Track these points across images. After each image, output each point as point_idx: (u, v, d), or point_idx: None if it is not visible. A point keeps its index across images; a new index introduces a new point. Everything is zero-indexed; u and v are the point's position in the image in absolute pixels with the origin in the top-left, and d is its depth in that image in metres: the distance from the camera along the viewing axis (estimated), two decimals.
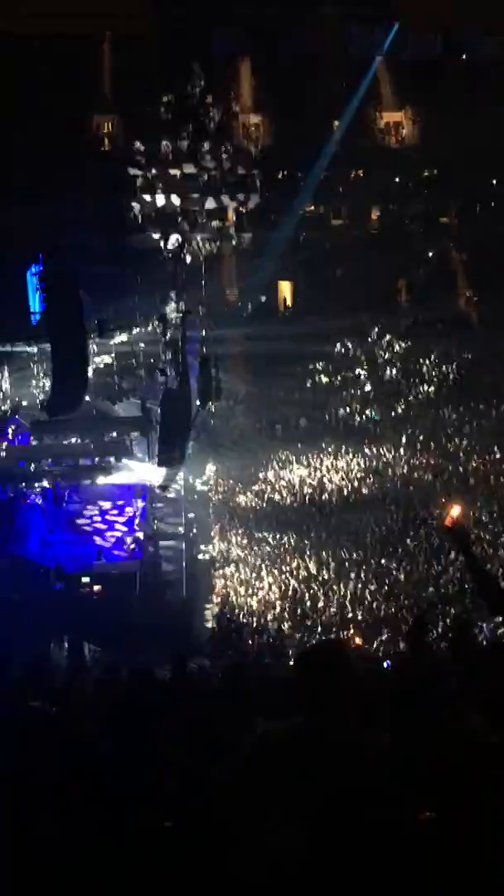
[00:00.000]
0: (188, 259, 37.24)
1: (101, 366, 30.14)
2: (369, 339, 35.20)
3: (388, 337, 35.33)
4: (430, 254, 37.62)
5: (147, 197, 37.62)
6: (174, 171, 37.86)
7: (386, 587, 21.31)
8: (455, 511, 5.73)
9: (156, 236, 37.20)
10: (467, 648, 5.97)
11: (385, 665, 10.52)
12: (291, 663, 12.97)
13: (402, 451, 29.26)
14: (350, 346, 34.97)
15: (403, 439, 29.98)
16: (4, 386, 29.01)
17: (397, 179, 38.88)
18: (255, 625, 20.42)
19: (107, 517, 25.33)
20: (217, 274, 37.64)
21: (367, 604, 20.65)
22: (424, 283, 37.07)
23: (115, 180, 35.99)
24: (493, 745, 2.66)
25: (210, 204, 37.68)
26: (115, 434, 25.97)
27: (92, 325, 26.00)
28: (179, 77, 36.29)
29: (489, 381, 32.76)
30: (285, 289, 37.68)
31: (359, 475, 27.92)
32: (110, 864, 3.30)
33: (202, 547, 25.04)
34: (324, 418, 31.97)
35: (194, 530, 25.95)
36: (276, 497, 27.06)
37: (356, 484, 27.39)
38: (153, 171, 37.78)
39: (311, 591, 21.35)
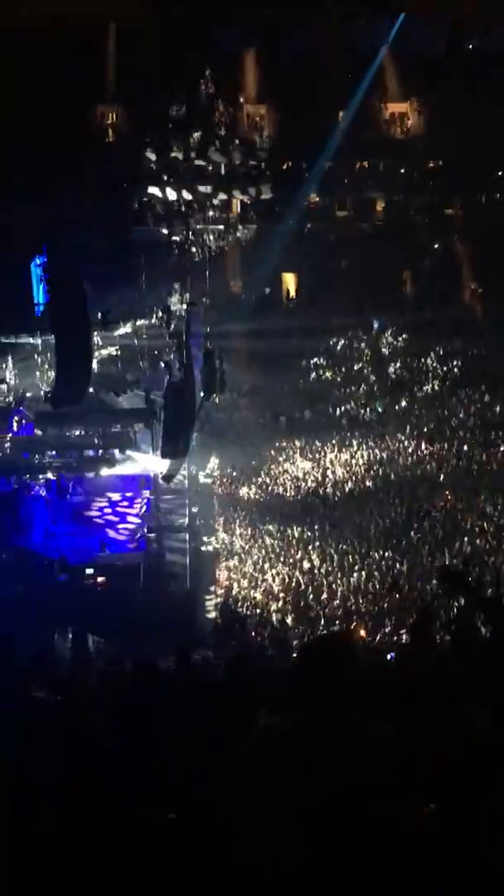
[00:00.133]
0: (193, 251, 37.24)
1: (106, 357, 30.12)
2: (373, 331, 35.13)
3: (392, 329, 35.25)
4: (436, 245, 37.48)
5: (151, 189, 37.55)
6: (179, 164, 37.78)
7: (389, 579, 21.31)
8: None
9: (160, 229, 37.15)
10: (428, 638, 5.96)
11: (389, 657, 10.53)
12: (295, 655, 12.98)
13: (405, 443, 29.25)
14: (354, 338, 34.91)
15: (407, 431, 29.97)
16: (9, 377, 29.01)
17: (402, 170, 38.72)
18: (258, 617, 20.44)
19: (118, 509, 25.38)
20: (221, 266, 37.58)
21: (370, 596, 20.66)
22: (429, 275, 36.96)
23: (119, 172, 35.89)
24: (496, 739, 2.65)
25: (215, 196, 37.61)
26: (119, 426, 25.96)
27: (96, 317, 26.00)
28: (180, 73, 36.14)
29: (493, 373, 32.70)
30: (290, 280, 37.61)
31: (362, 467, 27.91)
32: (113, 856, 3.31)
33: (206, 539, 25.06)
34: (327, 411, 31.96)
35: (198, 522, 25.97)
36: (280, 489, 27.07)
37: (360, 476, 27.39)
38: (158, 163, 37.70)
39: (315, 584, 21.36)
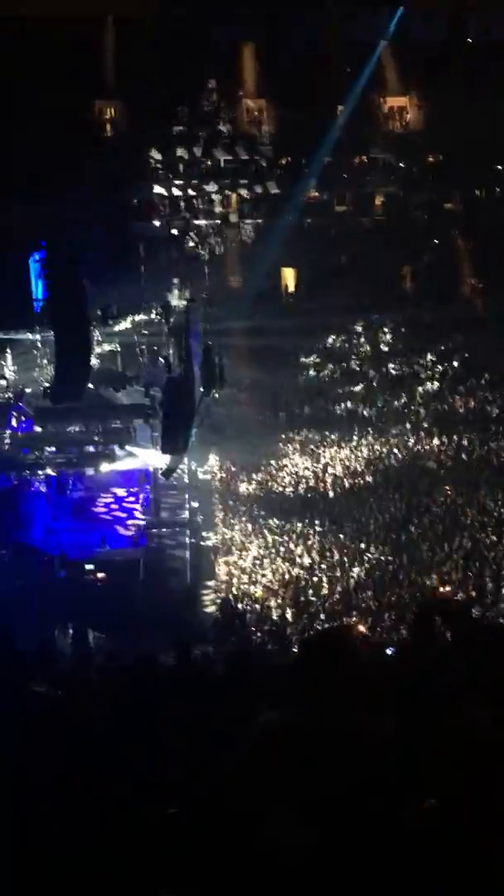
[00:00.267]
0: (192, 247, 37.19)
1: (105, 353, 30.11)
2: (373, 327, 35.09)
3: (391, 324, 35.21)
4: (435, 240, 37.42)
5: (150, 185, 37.49)
6: (178, 159, 37.71)
7: (389, 574, 21.33)
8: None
9: (159, 224, 37.10)
10: (428, 633, 5.94)
11: (388, 652, 10.53)
12: (295, 650, 12.99)
13: (405, 438, 29.25)
14: (354, 333, 34.88)
15: (407, 426, 29.97)
16: (8, 373, 28.98)
17: (402, 165, 38.65)
18: (258, 612, 20.46)
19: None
20: (221, 261, 37.53)
21: (370, 591, 20.67)
22: (429, 270, 36.90)
23: (118, 169, 35.82)
24: (497, 735, 2.65)
25: (215, 191, 37.56)
26: (118, 422, 25.96)
27: (95, 313, 25.99)
28: (180, 70, 36.04)
29: (494, 368, 32.70)
30: (289, 276, 37.55)
31: (362, 462, 27.92)
32: (114, 851, 3.31)
33: (205, 534, 25.08)
34: (327, 406, 31.95)
35: (198, 518, 25.99)
36: (280, 484, 27.08)
37: (359, 471, 27.39)
38: (157, 159, 37.64)
39: (315, 579, 21.38)
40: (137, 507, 25.45)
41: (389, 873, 2.47)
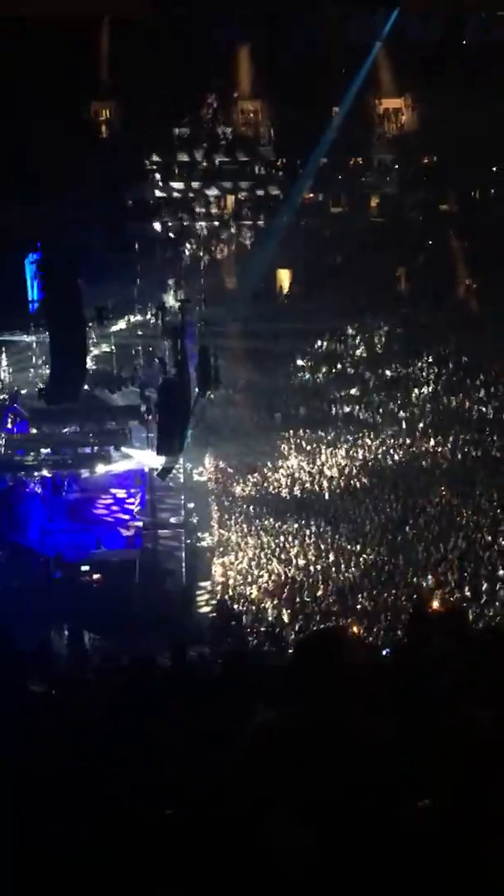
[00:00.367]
0: (187, 248, 37.19)
1: (100, 354, 30.09)
2: (368, 327, 35.12)
3: (387, 325, 35.24)
4: (430, 242, 37.46)
5: (147, 186, 37.48)
6: (176, 160, 37.71)
7: (385, 575, 21.35)
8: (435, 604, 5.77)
9: (155, 225, 37.09)
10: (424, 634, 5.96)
11: (384, 653, 10.55)
12: (291, 651, 13.00)
13: (401, 439, 29.27)
14: (349, 333, 34.91)
15: (403, 427, 29.99)
16: (3, 375, 28.96)
17: (397, 166, 38.70)
18: (254, 613, 20.47)
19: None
20: (216, 262, 37.53)
21: (366, 592, 20.69)
22: (424, 271, 36.94)
23: (115, 169, 35.80)
24: (496, 737, 2.66)
25: (210, 192, 37.57)
26: (113, 423, 25.96)
27: (90, 314, 25.97)
28: (178, 71, 36.02)
29: (489, 368, 32.73)
30: (284, 277, 37.56)
31: (358, 463, 27.93)
32: (110, 852, 3.31)
33: (201, 535, 25.09)
34: (323, 407, 31.95)
35: (194, 519, 25.99)
36: (275, 485, 27.08)
37: (355, 472, 27.40)
38: (154, 159, 37.64)
39: (311, 580, 21.39)
40: (133, 508, 25.46)
41: (387, 873, 2.48)
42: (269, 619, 20.06)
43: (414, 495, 25.41)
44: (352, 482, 26.75)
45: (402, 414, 30.93)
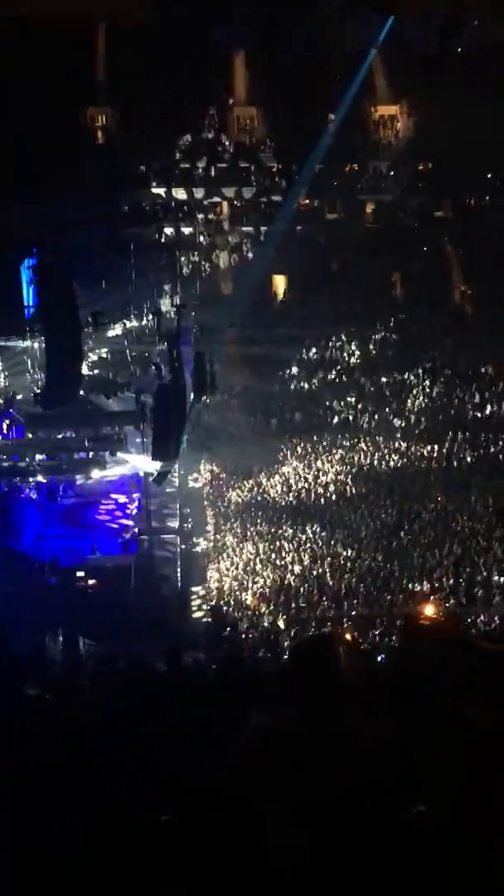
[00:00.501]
0: (183, 252, 37.22)
1: (96, 359, 30.08)
2: (364, 333, 35.17)
3: (382, 331, 35.30)
4: (425, 248, 37.56)
5: (143, 191, 37.53)
6: (172, 166, 37.78)
7: (381, 581, 21.35)
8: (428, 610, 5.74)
9: (151, 231, 37.13)
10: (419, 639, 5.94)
11: (379, 659, 10.56)
12: (286, 657, 12.99)
13: (396, 444, 29.29)
14: (344, 339, 34.95)
15: (398, 433, 30.01)
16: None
17: (392, 173, 38.83)
18: (249, 619, 20.45)
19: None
20: (212, 268, 37.59)
21: (361, 598, 20.69)
22: (419, 277, 37.03)
23: (112, 174, 35.84)
24: (495, 740, 2.67)
25: (207, 198, 37.65)
26: (109, 428, 25.93)
27: (86, 319, 25.96)
28: (175, 74, 36.08)
29: (484, 374, 32.79)
30: (280, 283, 37.63)
31: (353, 469, 27.94)
32: (107, 856, 3.31)
33: (197, 541, 25.06)
34: (318, 412, 31.97)
35: (189, 524, 25.96)
36: (271, 491, 27.07)
37: (351, 478, 27.41)
38: (150, 165, 37.71)
39: (306, 585, 21.38)
40: (129, 513, 25.45)
41: (383, 874, 2.48)
42: (265, 624, 20.04)
43: (409, 501, 25.43)
44: (347, 488, 26.76)
45: (397, 420, 30.97)
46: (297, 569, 22.19)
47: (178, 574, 23.50)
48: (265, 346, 32.91)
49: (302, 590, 21.21)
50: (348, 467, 28.03)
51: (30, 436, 26.27)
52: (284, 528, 24.29)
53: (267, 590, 21.43)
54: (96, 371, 29.42)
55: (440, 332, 34.52)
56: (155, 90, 36.03)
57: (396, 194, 38.49)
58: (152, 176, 37.72)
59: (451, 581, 20.93)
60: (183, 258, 37.27)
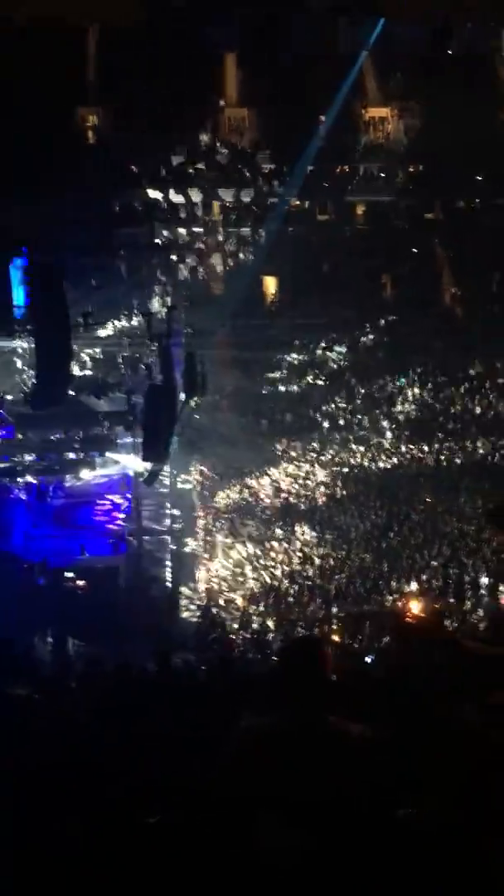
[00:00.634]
0: (174, 254, 37.21)
1: (86, 360, 30.01)
2: (354, 334, 35.22)
3: (373, 332, 35.35)
4: (415, 249, 37.64)
5: (135, 192, 37.50)
6: (164, 166, 37.77)
7: (370, 582, 21.39)
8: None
9: (142, 231, 37.09)
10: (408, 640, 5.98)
11: (368, 660, 10.58)
12: (275, 658, 13.01)
13: (386, 445, 29.35)
14: (335, 340, 34.99)
15: (388, 434, 30.08)
16: None
17: (383, 174, 38.90)
18: (239, 619, 20.46)
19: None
20: (203, 269, 37.57)
21: (351, 599, 20.73)
22: (410, 279, 37.11)
23: (103, 174, 35.79)
24: (491, 740, 2.68)
25: (198, 199, 37.64)
26: (99, 429, 25.88)
27: (76, 319, 25.90)
28: (169, 74, 36.05)
29: (474, 375, 32.89)
30: (271, 284, 37.65)
31: (343, 470, 27.98)
32: (96, 859, 3.31)
33: (187, 541, 25.05)
34: (309, 413, 32.00)
35: (179, 525, 25.95)
36: (261, 492, 27.09)
37: (341, 479, 27.45)
38: (142, 165, 37.67)
39: (296, 586, 21.40)
40: (119, 514, 25.40)
41: (373, 873, 2.49)
42: (255, 625, 20.05)
43: (399, 502, 25.49)
44: (337, 489, 26.80)
45: (387, 421, 31.03)
46: (286, 569, 22.22)
47: (168, 575, 23.48)
48: (256, 346, 32.92)
49: (292, 591, 21.23)
50: (338, 468, 28.08)
51: (20, 436, 26.18)
52: (275, 528, 24.31)
53: (257, 590, 21.45)
54: (87, 371, 29.35)
55: (431, 334, 34.59)
56: (144, 91, 36.04)
57: (387, 196, 38.56)
58: (143, 176, 37.68)
59: (441, 582, 21.00)
60: (174, 258, 37.26)
